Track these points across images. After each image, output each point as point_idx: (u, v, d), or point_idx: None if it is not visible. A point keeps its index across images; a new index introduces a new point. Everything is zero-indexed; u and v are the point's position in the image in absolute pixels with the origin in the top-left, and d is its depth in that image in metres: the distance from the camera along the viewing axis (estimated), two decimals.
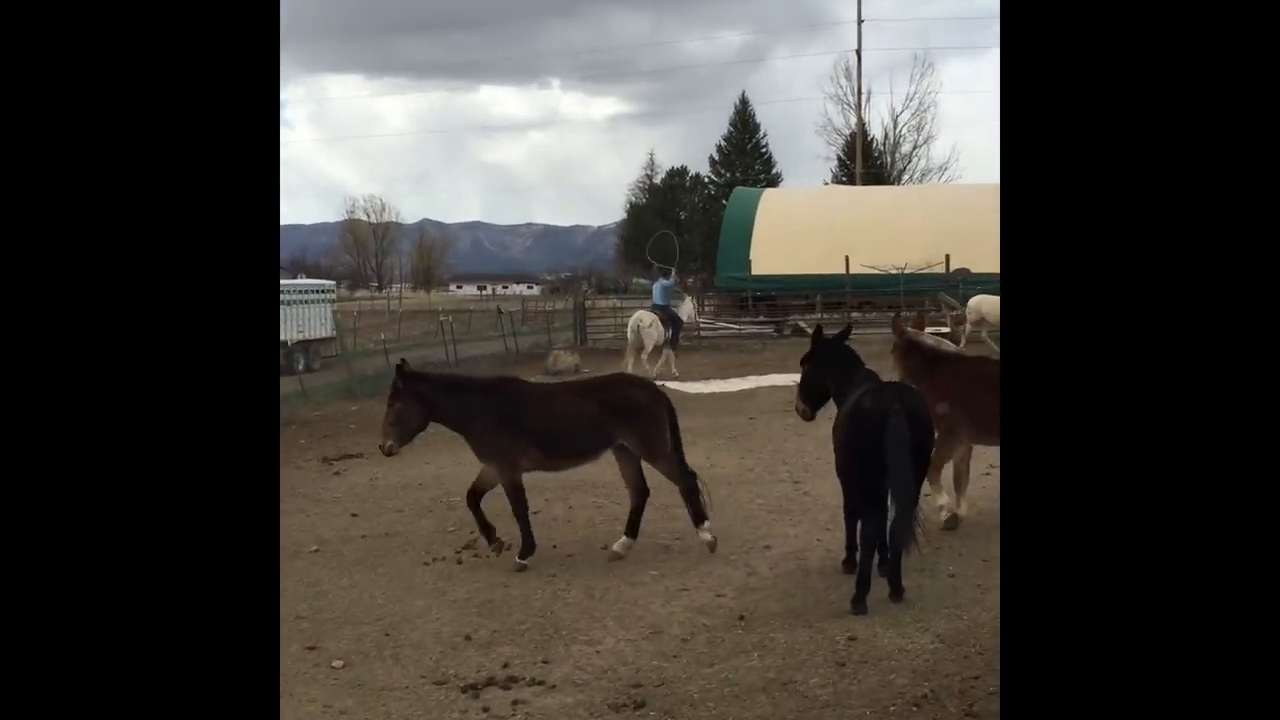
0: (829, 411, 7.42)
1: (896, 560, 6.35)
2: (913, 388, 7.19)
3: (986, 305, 23.61)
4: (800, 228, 36.94)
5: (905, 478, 6.23)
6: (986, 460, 10.09)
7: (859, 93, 60.20)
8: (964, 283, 32.87)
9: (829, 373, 7.32)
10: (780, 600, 6.54)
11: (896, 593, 6.35)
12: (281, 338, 22.47)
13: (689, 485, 7.81)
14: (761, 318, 33.65)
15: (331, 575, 7.56)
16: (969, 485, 8.39)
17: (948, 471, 8.15)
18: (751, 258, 35.94)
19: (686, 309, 24.12)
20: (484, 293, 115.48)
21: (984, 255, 33.73)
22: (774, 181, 73.04)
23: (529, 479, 8.96)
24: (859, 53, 58.10)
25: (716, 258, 39.52)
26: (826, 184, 61.87)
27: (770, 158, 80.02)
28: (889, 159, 67.09)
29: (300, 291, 27.08)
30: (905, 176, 65.13)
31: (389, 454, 7.73)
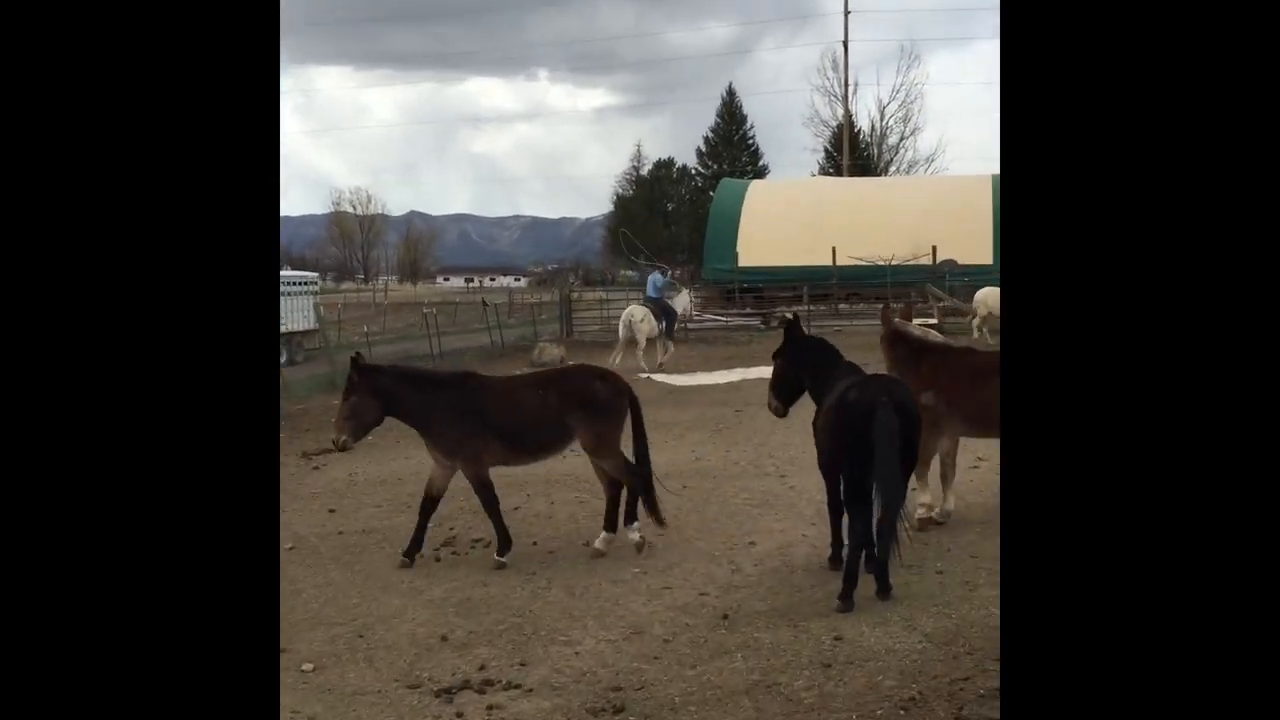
0: (806, 405, 7.26)
1: (883, 557, 6.20)
2: (899, 380, 7.04)
3: (993, 298, 23.52)
4: (787, 219, 36.82)
5: (892, 472, 6.09)
6: (974, 452, 9.97)
7: (846, 84, 60.18)
8: (951, 274, 32.84)
9: (805, 368, 7.18)
10: (765, 598, 6.38)
11: (883, 590, 6.20)
12: None
13: (633, 485, 7.61)
14: (748, 310, 33.49)
15: (307, 573, 7.39)
16: (956, 478, 8.22)
17: (934, 467, 7.99)
18: (738, 249, 35.80)
19: (683, 300, 23.94)
20: (471, 285, 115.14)
21: (971, 246, 33.87)
22: (761, 173, 72.96)
23: (513, 473, 8.84)
24: (846, 44, 58.07)
25: (703, 250, 39.37)
26: (814, 175, 61.80)
27: (757, 149, 79.99)
28: (876, 150, 67.08)
29: (282, 284, 26.82)
30: (892, 168, 65.16)
31: (342, 449, 7.51)
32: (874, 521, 6.16)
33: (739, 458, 11.24)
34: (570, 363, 23.07)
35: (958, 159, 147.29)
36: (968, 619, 5.76)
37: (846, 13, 56.34)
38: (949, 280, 32.31)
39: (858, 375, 6.84)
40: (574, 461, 11.34)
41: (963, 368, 7.97)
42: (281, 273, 32.78)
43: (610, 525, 7.63)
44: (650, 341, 22.10)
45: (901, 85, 72.76)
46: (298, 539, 8.37)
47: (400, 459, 11.60)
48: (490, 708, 4.95)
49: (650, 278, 24.36)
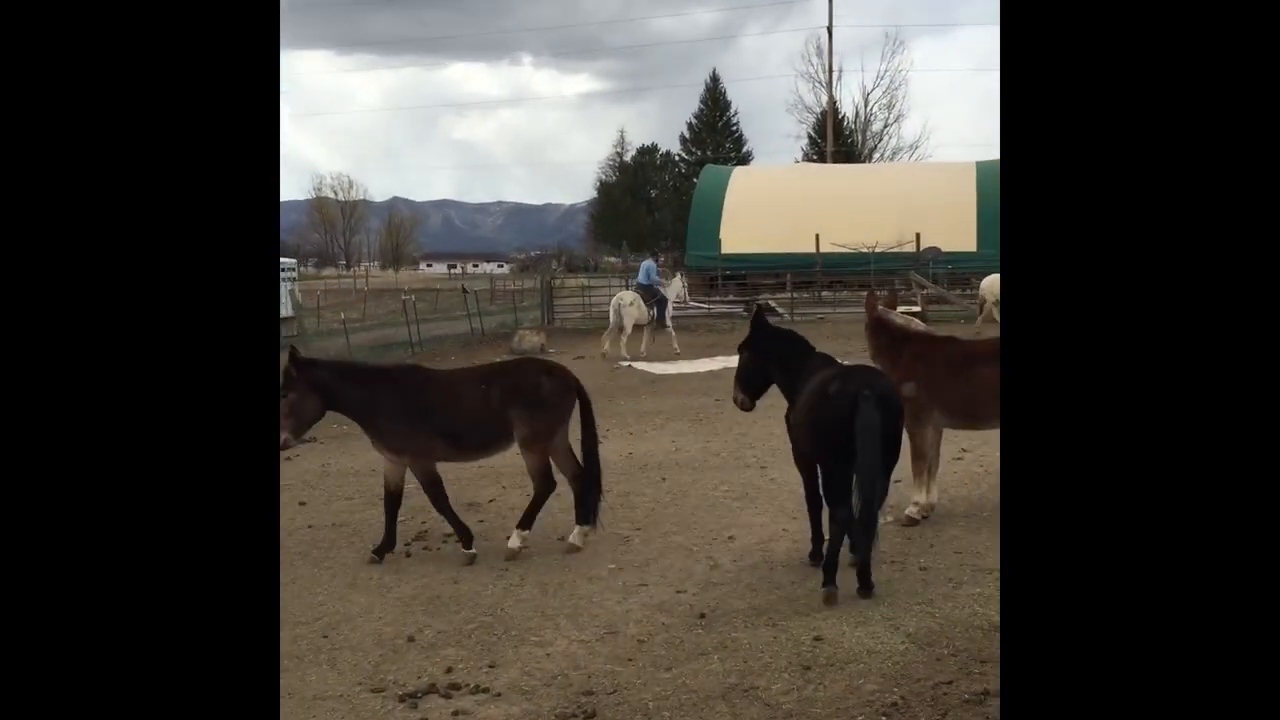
0: (774, 397, 7.08)
1: (865, 555, 6.02)
2: (881, 372, 6.85)
3: (999, 286, 23.37)
4: (771, 206, 36.67)
5: (874, 467, 5.91)
6: (957, 444, 9.82)
7: (830, 70, 59.95)
8: (934, 261, 32.76)
9: (774, 360, 7.00)
10: (743, 596, 6.20)
11: (865, 588, 6.02)
12: None
13: (545, 494, 7.37)
14: (731, 297, 33.32)
15: None
16: (939, 470, 8.05)
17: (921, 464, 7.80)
18: (721, 237, 35.63)
19: (676, 287, 23.71)
20: (454, 271, 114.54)
21: (954, 233, 33.82)
22: (745, 160, 72.86)
23: (488, 465, 8.64)
24: (830, 30, 57.79)
25: (686, 237, 39.17)
26: (798, 162, 61.64)
27: (741, 136, 79.87)
28: (860, 137, 66.99)
29: None
30: (876, 155, 65.09)
31: (283, 448, 7.16)
32: (854, 517, 6.00)
33: (719, 448, 11.06)
34: (551, 350, 22.91)
35: (941, 146, 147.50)
36: (951, 618, 5.59)
37: None
38: (932, 267, 32.24)
39: (834, 367, 6.66)
40: None
41: (944, 357, 7.78)
42: None
43: (581, 518, 7.43)
44: (637, 328, 21.88)
45: (885, 71, 72.58)
46: None
47: (373, 449, 11.35)
48: (456, 713, 4.75)
49: (644, 264, 24.11)
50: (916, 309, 23.84)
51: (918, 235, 33.19)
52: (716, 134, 78.99)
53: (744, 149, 78.22)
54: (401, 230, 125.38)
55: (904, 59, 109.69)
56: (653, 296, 22.39)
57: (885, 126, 66.99)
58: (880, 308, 8.23)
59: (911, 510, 7.60)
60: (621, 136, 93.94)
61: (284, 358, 6.87)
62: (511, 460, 10.20)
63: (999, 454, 9.72)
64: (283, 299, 26.10)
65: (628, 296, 22.28)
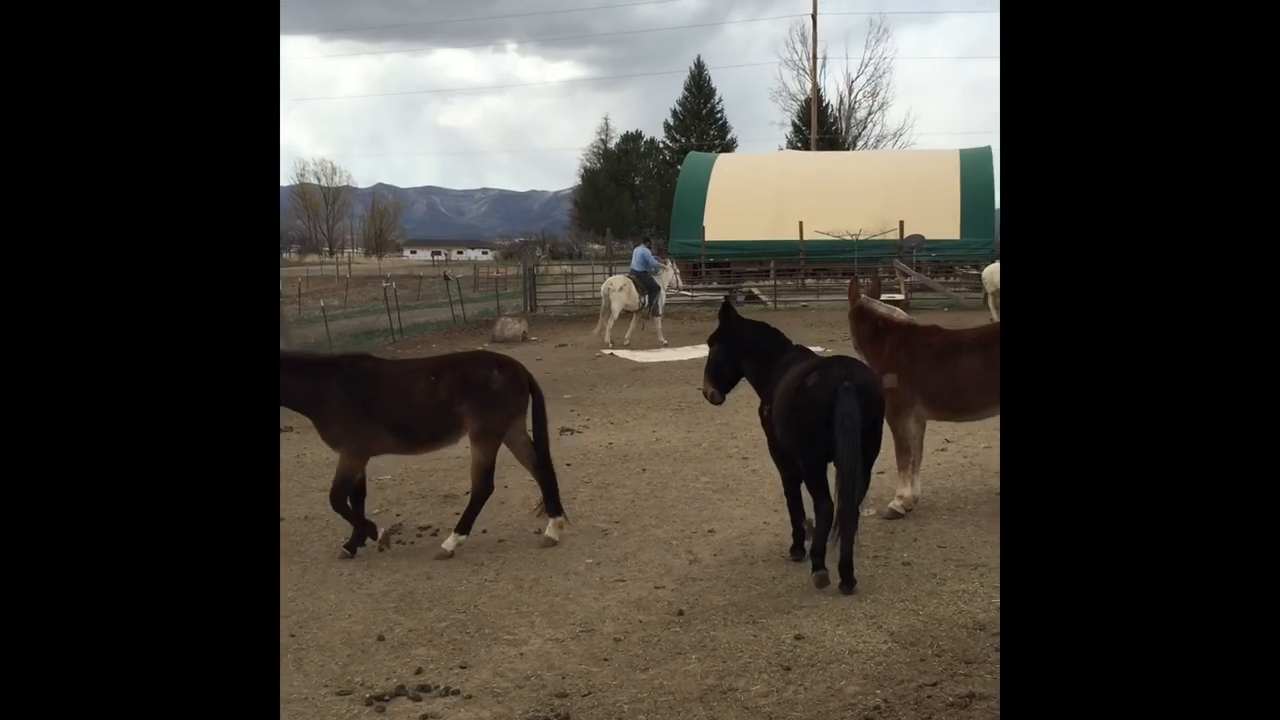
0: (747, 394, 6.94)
1: (847, 549, 5.88)
2: (862, 363, 6.70)
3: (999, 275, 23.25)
4: (754, 194, 36.51)
5: (852, 459, 5.78)
6: (941, 435, 9.70)
7: (814, 58, 59.74)
8: (918, 249, 32.68)
9: (747, 354, 6.87)
10: (723, 592, 6.05)
11: (848, 582, 5.89)
12: None
13: (484, 494, 7.16)
14: (715, 284, 33.15)
15: None
16: (923, 462, 7.91)
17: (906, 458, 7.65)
18: (705, 224, 35.44)
19: (668, 276, 23.51)
20: (438, 258, 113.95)
21: (938, 221, 33.73)
22: (729, 147, 72.62)
23: (466, 455, 8.45)
24: (814, 17, 57.55)
25: (670, 224, 38.97)
26: (782, 149, 61.47)
27: (725, 123, 79.59)
28: (844, 125, 66.89)
29: None
30: (860, 142, 65.00)
31: None
32: (835, 511, 5.87)
33: (700, 439, 10.91)
34: (533, 338, 22.73)
35: (925, 134, 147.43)
36: (935, 616, 5.46)
37: None
38: (916, 255, 32.15)
39: (810, 358, 6.52)
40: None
41: (927, 347, 7.62)
42: None
43: (553, 510, 7.26)
44: (626, 315, 21.68)
45: (870, 59, 72.49)
46: None
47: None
48: (425, 717, 4.59)
49: (637, 251, 23.88)
50: (900, 297, 23.76)
51: (901, 223, 33.08)
52: (701, 121, 78.68)
53: (728, 136, 77.97)
54: (385, 216, 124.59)
55: (888, 46, 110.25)
56: (647, 284, 22.14)
57: (869, 114, 67.01)
58: (864, 296, 8.07)
59: (895, 503, 7.46)
60: (606, 123, 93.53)
61: None
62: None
63: (984, 446, 9.64)
64: None
65: (617, 282, 22.06)
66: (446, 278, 31.94)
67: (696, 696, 4.66)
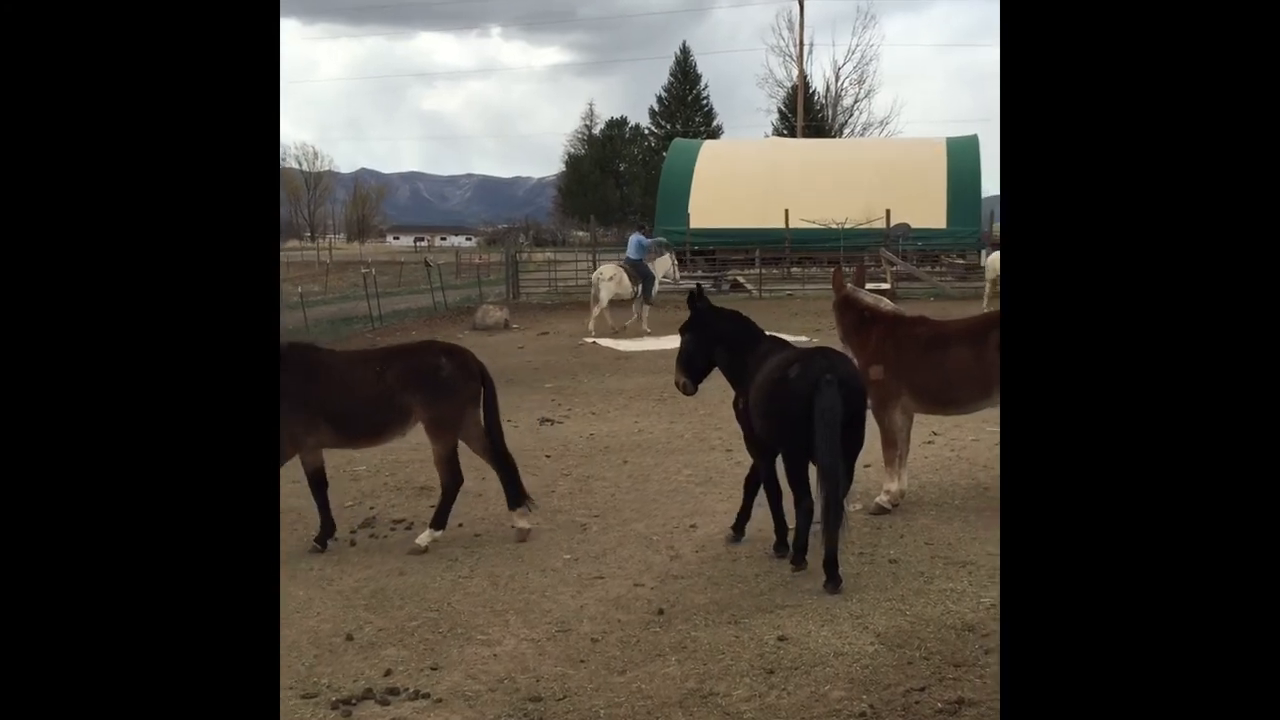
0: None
1: (831, 546, 5.71)
2: (844, 355, 6.51)
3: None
4: (740, 181, 36.29)
5: (833, 455, 5.61)
6: (928, 427, 9.54)
7: (801, 45, 59.43)
8: (904, 238, 32.54)
9: (719, 343, 6.73)
10: (704, 590, 5.87)
11: (833, 580, 5.72)
12: None
13: (452, 485, 6.94)
14: (700, 272, 32.95)
15: None
16: (909, 456, 7.74)
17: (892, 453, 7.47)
18: (690, 211, 35.21)
19: (665, 264, 23.26)
20: (421, 244, 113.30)
21: (924, 210, 33.60)
22: (715, 134, 72.38)
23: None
24: (801, 4, 57.19)
25: (655, 211, 38.73)
26: (768, 137, 61.28)
27: (711, 110, 79.39)
28: (830, 112, 66.71)
29: None
30: (846, 130, 64.83)
31: None
32: (818, 507, 5.72)
33: (683, 430, 10.73)
34: (515, 325, 22.49)
35: (911, 122, 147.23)
36: (923, 616, 5.29)
37: None
38: (902, 244, 32.02)
39: (789, 350, 6.36)
40: (509, 433, 10.77)
41: (914, 339, 7.44)
42: None
43: (514, 501, 7.07)
44: (616, 305, 21.42)
45: (856, 47, 72.30)
46: None
47: None
48: None
49: (632, 238, 23.62)
50: (886, 286, 23.62)
51: (888, 211, 32.92)
52: (686, 108, 78.43)
53: (714, 123, 77.75)
54: (367, 202, 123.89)
55: (875, 34, 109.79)
56: (641, 272, 21.87)
57: (855, 102, 66.86)
58: (849, 286, 7.89)
59: (881, 498, 7.30)
60: (590, 109, 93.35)
61: None
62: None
63: (971, 439, 9.49)
64: None
65: (608, 271, 21.79)
66: (428, 264, 31.60)
67: (676, 701, 4.48)
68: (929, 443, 9.36)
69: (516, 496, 7.02)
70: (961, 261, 34.22)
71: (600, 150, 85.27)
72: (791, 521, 6.19)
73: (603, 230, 46.96)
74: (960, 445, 9.36)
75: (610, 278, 21.30)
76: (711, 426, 10.74)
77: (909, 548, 6.47)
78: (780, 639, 5.07)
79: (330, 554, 6.80)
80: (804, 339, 17.27)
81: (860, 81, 66.56)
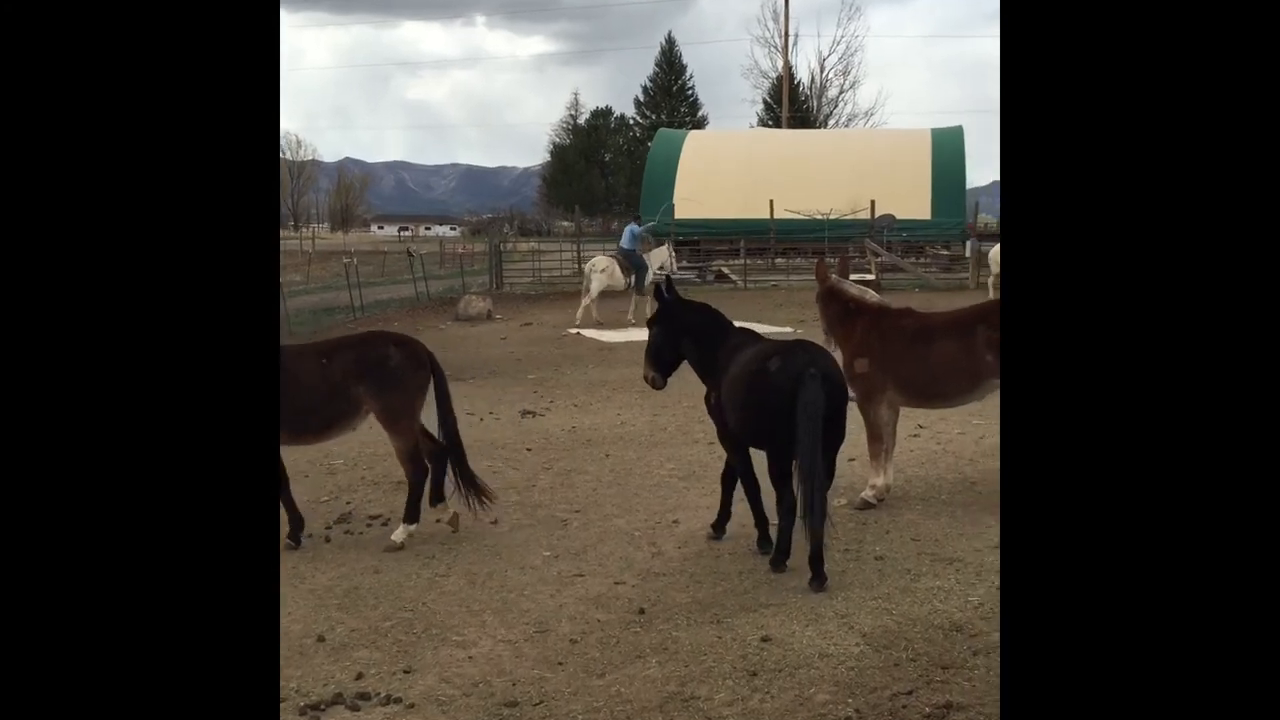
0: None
1: (817, 543, 5.59)
2: (821, 347, 6.37)
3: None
4: (725, 171, 36.20)
5: (815, 450, 5.49)
6: (913, 420, 9.43)
7: (786, 36, 59.40)
8: (889, 229, 32.48)
9: (687, 335, 6.61)
10: (686, 588, 5.73)
11: (818, 578, 5.59)
12: None
13: (418, 478, 6.75)
14: (684, 263, 32.80)
15: None
16: (895, 450, 7.62)
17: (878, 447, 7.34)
18: (675, 201, 35.06)
19: (661, 254, 23.05)
20: (405, 234, 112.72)
21: (909, 201, 33.56)
22: (700, 124, 72.29)
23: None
24: None
25: (639, 201, 38.55)
26: (753, 127, 61.13)
27: (696, 100, 79.29)
28: (815, 103, 66.61)
29: None
30: (831, 121, 64.76)
31: None
32: (800, 503, 5.59)
33: (666, 423, 10.59)
34: (498, 316, 22.31)
35: (896, 113, 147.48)
36: (910, 616, 5.17)
37: None
38: (887, 235, 31.96)
39: (761, 342, 6.24)
40: (490, 425, 10.65)
41: (899, 331, 7.31)
42: None
43: (432, 499, 6.89)
44: (606, 296, 21.23)
45: (841, 37, 71.94)
46: None
47: None
48: None
49: (627, 228, 23.40)
50: (871, 277, 23.50)
51: (872, 202, 32.86)
52: (672, 98, 78.25)
53: (699, 113, 77.65)
54: (351, 191, 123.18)
55: (860, 25, 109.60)
56: (634, 263, 21.67)
57: (840, 93, 66.83)
58: (834, 277, 7.75)
59: (867, 493, 7.17)
60: (576, 99, 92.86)
61: None
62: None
63: (957, 431, 9.38)
64: None
65: (601, 262, 21.61)
66: (410, 254, 31.36)
67: (656, 705, 4.35)
68: (914, 435, 9.24)
69: (414, 513, 6.75)
70: (946, 252, 34.19)
71: (585, 140, 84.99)
72: (774, 517, 6.05)
73: (587, 220, 46.69)
74: (946, 438, 9.25)
75: (602, 269, 21.14)
76: (695, 419, 10.57)
77: (895, 544, 6.35)
78: (764, 639, 4.94)
79: (304, 550, 6.64)
80: (788, 330, 17.16)
81: (845, 72, 66.46)
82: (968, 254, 29.85)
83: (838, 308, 7.56)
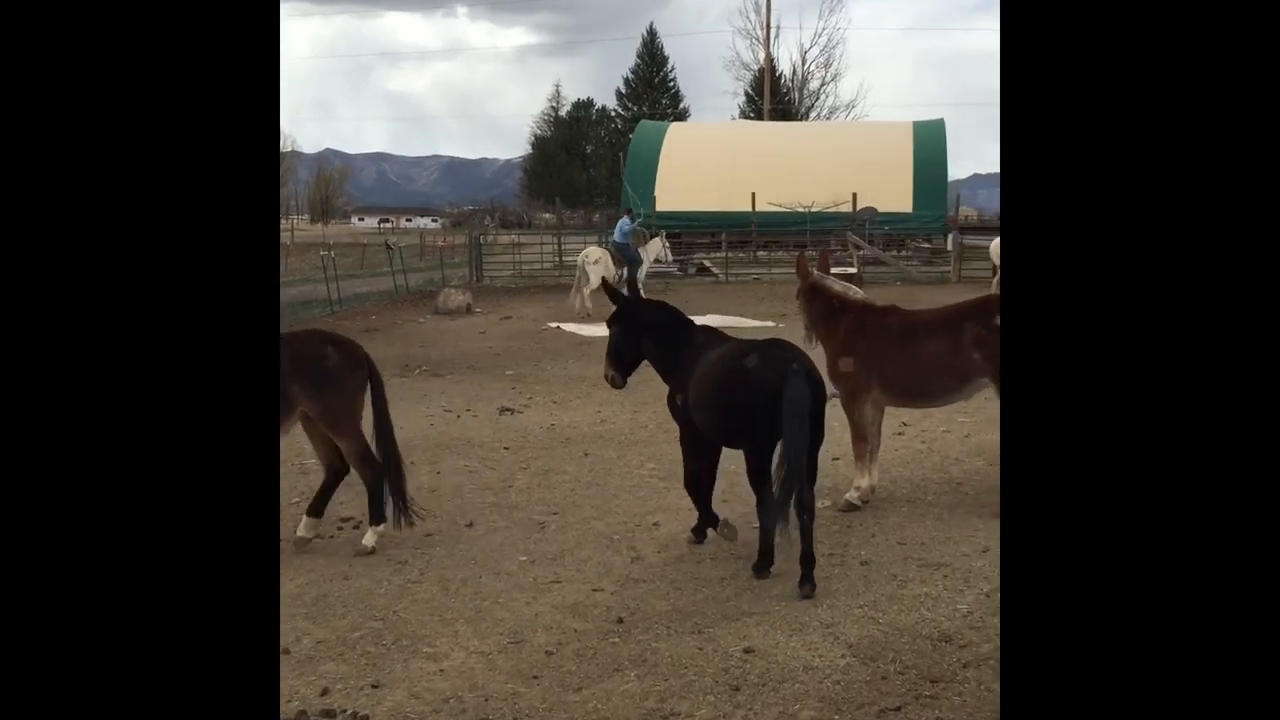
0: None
1: (807, 545, 5.43)
2: (798, 347, 6.19)
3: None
4: (706, 164, 36.00)
5: (802, 449, 5.33)
6: (897, 418, 9.27)
7: (768, 28, 59.25)
8: (870, 222, 32.37)
9: (646, 334, 6.48)
10: (666, 595, 5.55)
11: (807, 582, 5.41)
12: None
13: (374, 477, 6.54)
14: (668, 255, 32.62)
15: None
16: (880, 450, 7.45)
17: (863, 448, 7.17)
18: (656, 194, 34.86)
19: (655, 248, 22.72)
20: (386, 226, 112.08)
21: (891, 194, 33.45)
22: (682, 116, 72.03)
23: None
24: None
25: (621, 193, 38.33)
26: (735, 119, 60.96)
27: (678, 92, 79.11)
28: (797, 95, 66.47)
29: None
30: (813, 113, 64.63)
31: None
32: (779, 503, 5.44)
33: (647, 420, 10.39)
34: (478, 310, 22.06)
35: (878, 106, 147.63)
36: (897, 625, 5.01)
37: None
38: (868, 228, 31.84)
39: (728, 341, 6.09)
40: (467, 423, 10.44)
41: (884, 329, 7.14)
42: None
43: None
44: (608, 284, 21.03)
45: (823, 30, 72.06)
46: None
47: None
48: None
49: (619, 222, 23.15)
50: (852, 271, 23.36)
51: (854, 195, 32.72)
52: (653, 90, 78.01)
53: (681, 105, 77.40)
54: (331, 183, 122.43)
55: (841, 17, 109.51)
56: (626, 256, 21.43)
57: (822, 85, 66.73)
58: (816, 273, 7.56)
59: (852, 495, 7.01)
60: (557, 91, 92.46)
61: None
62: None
63: (942, 430, 9.22)
64: None
65: (594, 254, 21.39)
66: (389, 247, 31.05)
67: None
68: (899, 434, 9.09)
69: (378, 514, 6.53)
70: (927, 245, 34.12)
71: (567, 132, 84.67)
72: (736, 516, 5.88)
73: (569, 212, 46.46)
74: (931, 437, 9.10)
75: (596, 260, 20.94)
76: None
77: (880, 548, 6.18)
78: (746, 651, 4.76)
79: None
80: (770, 324, 16.99)
81: (827, 65, 66.56)
82: (949, 247, 29.80)
83: (821, 305, 7.38)
